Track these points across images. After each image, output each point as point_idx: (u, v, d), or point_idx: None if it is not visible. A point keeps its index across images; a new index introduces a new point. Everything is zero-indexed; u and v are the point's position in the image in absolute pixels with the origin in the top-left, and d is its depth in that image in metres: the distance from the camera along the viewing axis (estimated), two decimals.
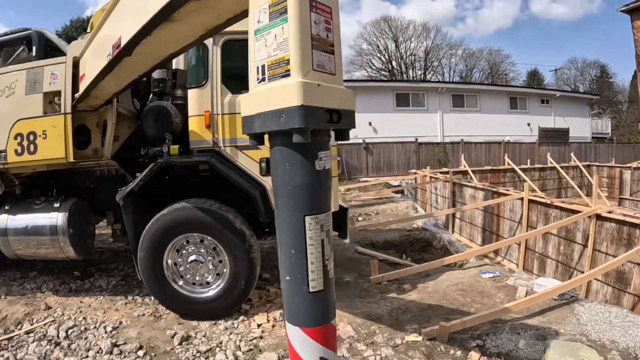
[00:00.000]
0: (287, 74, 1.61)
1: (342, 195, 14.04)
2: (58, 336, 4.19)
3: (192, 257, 4.47)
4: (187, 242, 4.47)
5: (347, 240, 5.35)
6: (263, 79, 1.72)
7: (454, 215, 10.09)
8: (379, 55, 44.68)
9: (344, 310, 4.64)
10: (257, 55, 1.74)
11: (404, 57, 44.69)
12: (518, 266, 7.02)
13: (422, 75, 44.13)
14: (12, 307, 4.85)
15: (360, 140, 20.53)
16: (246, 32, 1.88)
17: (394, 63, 44.76)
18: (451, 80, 42.74)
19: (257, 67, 1.74)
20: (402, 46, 44.50)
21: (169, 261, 4.47)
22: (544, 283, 5.14)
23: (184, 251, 4.48)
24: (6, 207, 5.03)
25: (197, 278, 4.50)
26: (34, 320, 4.57)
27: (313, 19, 1.63)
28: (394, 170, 20.26)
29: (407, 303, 5.01)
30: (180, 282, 4.50)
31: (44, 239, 4.80)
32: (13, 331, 4.39)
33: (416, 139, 21.20)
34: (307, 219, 1.74)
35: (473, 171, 13.61)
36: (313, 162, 1.71)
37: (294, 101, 1.56)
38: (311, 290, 1.79)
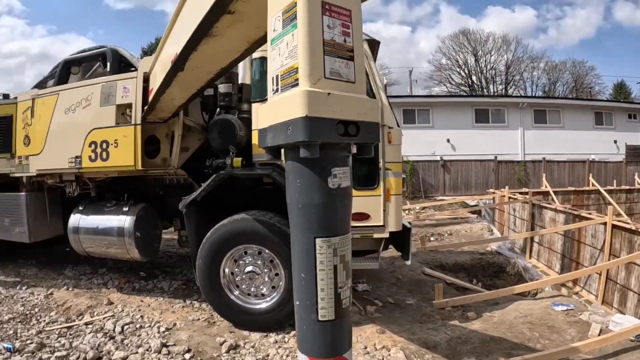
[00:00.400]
0: (296, 83, 1.48)
1: (417, 213, 13.57)
2: (114, 330, 4.34)
3: (249, 268, 4.43)
4: (245, 252, 4.45)
5: (408, 262, 5.04)
6: (277, 90, 1.60)
7: (532, 239, 9.23)
8: (458, 70, 43.09)
9: (400, 335, 4.35)
10: (273, 65, 1.62)
11: (484, 71, 42.61)
12: (597, 298, 6.19)
13: (504, 90, 41.67)
14: (77, 299, 5.14)
15: (438, 158, 19.89)
16: None
17: (473, 78, 42.85)
18: (534, 95, 39.84)
19: (273, 78, 1.62)
20: (481, 60, 42.46)
21: (226, 270, 4.47)
22: (621, 321, 4.46)
23: (241, 261, 4.46)
24: (80, 208, 5.39)
25: (252, 289, 4.46)
26: (95, 313, 4.80)
27: (326, 23, 1.48)
28: (471, 190, 19.33)
29: (468, 333, 4.59)
30: (236, 292, 4.48)
31: (112, 239, 5.05)
32: (74, 321, 4.64)
33: (495, 157, 20.03)
34: (318, 241, 1.56)
35: (555, 192, 12.44)
36: (325, 179, 1.53)
37: (298, 112, 1.41)
38: (320, 319, 1.60)
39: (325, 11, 1.48)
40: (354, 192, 4.52)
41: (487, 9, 71.73)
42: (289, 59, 1.52)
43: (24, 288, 5.60)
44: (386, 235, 4.58)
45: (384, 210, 4.48)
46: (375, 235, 4.59)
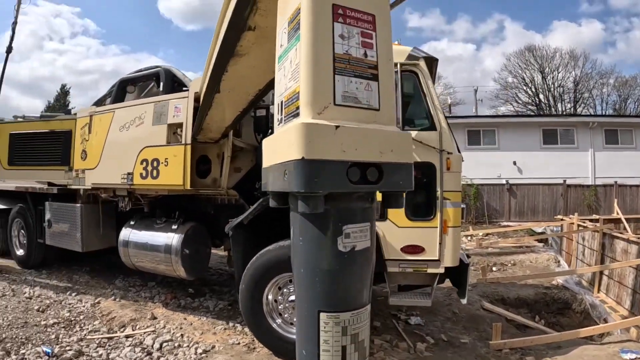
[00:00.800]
0: (297, 113, 1.06)
1: (479, 240, 12.49)
2: (152, 347, 4.15)
3: (293, 297, 4.01)
4: (290, 281, 4.06)
5: (464, 301, 4.45)
6: (281, 120, 1.20)
7: (601, 271, 8.02)
8: (525, 88, 40.22)
9: None
10: (278, 89, 1.23)
11: (552, 89, 39.35)
12: None
13: (572, 109, 38.13)
14: (122, 310, 5.02)
15: (504, 181, 18.37)
16: None
17: (541, 96, 39.71)
18: (604, 113, 36.07)
19: (277, 104, 1.23)
20: (549, 77, 39.16)
21: (270, 297, 4.12)
22: None
23: (285, 289, 4.11)
24: (131, 222, 5.34)
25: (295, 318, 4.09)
26: (137, 327, 4.63)
27: (338, 32, 1.05)
28: (538, 215, 17.58)
29: None
30: (278, 320, 4.11)
31: (159, 256, 4.91)
32: (115, 332, 4.51)
33: (564, 181, 18.11)
34: (323, 316, 1.13)
35: (627, 219, 10.87)
36: (334, 240, 1.09)
37: (293, 153, 0.99)
38: None
39: (338, 17, 1.05)
40: (408, 223, 4.09)
41: (552, 24, 66.28)
42: (291, 80, 1.11)
43: (73, 294, 5.61)
44: (441, 270, 4.04)
45: (440, 244, 3.97)
46: (429, 270, 4.06)
